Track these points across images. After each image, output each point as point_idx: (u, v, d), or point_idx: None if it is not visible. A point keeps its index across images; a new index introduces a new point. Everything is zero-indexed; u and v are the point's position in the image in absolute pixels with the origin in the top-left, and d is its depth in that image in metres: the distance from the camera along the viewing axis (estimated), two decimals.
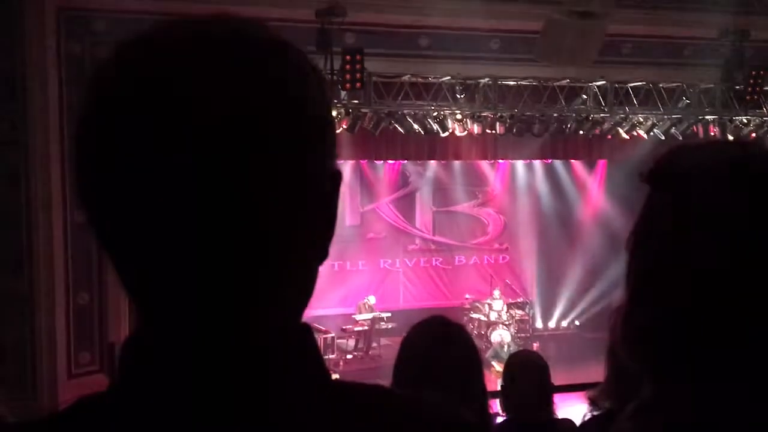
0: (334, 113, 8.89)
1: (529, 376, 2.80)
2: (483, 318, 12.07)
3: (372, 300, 12.11)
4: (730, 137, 10.46)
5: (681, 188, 0.75)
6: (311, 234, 0.65)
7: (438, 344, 2.15)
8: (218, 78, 0.59)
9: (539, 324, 13.41)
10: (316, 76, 0.66)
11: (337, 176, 0.67)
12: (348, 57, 8.51)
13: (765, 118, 10.89)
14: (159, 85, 0.59)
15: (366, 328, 11.78)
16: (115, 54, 0.63)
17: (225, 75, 0.60)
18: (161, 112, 0.58)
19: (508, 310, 12.22)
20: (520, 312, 12.64)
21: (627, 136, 10.70)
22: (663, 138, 10.51)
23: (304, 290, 0.68)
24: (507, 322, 11.96)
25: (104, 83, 0.62)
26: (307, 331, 0.67)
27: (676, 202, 0.75)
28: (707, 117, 10.67)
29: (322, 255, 0.68)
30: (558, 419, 2.86)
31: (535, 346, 11.12)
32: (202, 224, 0.59)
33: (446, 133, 10.02)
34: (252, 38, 0.63)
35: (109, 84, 0.62)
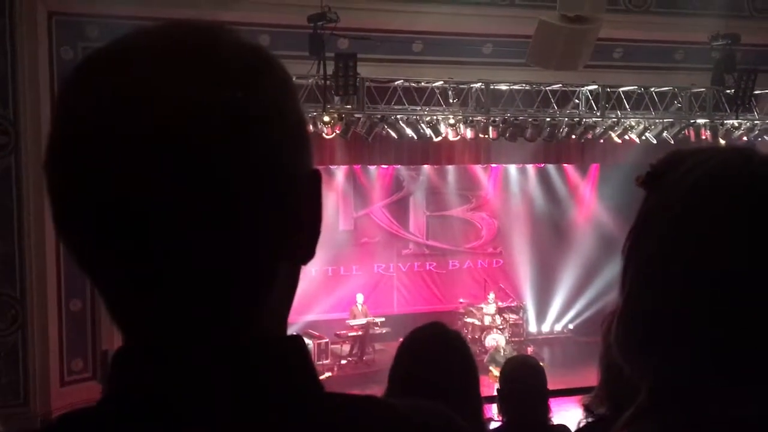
0: (326, 118, 8.96)
1: (526, 379, 2.80)
2: (477, 322, 12.07)
3: (360, 298, 12.07)
4: (722, 141, 10.52)
5: (677, 192, 0.75)
6: (294, 233, 0.65)
7: (434, 350, 2.14)
8: (188, 85, 0.59)
9: (533, 328, 13.43)
10: (284, 78, 0.66)
11: (316, 175, 0.67)
12: (341, 62, 8.51)
13: (756, 122, 10.96)
14: (129, 97, 0.58)
15: (360, 333, 11.76)
16: (85, 66, 0.62)
17: (196, 80, 0.59)
18: (129, 121, 0.58)
19: (501, 314, 12.23)
20: (513, 316, 12.65)
21: (619, 140, 10.75)
22: (655, 142, 10.56)
23: (290, 291, 0.68)
24: (501, 327, 11.97)
25: (72, 102, 0.61)
26: (298, 339, 0.67)
27: (672, 206, 0.75)
28: (698, 121, 10.73)
29: (308, 254, 0.67)
30: (553, 425, 2.86)
31: (529, 350, 11.12)
32: (181, 231, 0.59)
33: (439, 138, 10.04)
34: (219, 42, 0.63)
35: (78, 103, 0.61)
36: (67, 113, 0.62)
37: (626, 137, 10.69)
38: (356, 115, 9.41)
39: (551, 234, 13.56)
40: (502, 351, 10.15)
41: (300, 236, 0.65)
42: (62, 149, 0.61)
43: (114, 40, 0.63)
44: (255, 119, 0.60)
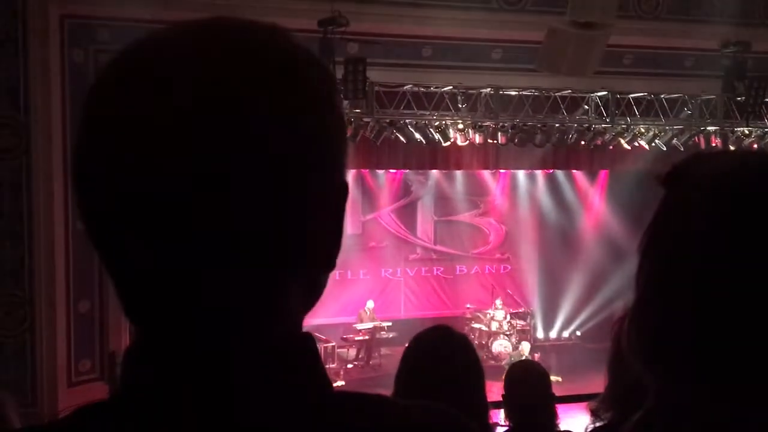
0: None
1: (531, 384, 2.80)
2: (484, 328, 12.05)
3: (371, 305, 12.08)
4: (732, 148, 10.48)
5: (694, 192, 0.75)
6: (317, 244, 0.65)
7: (441, 354, 2.14)
8: (216, 87, 0.59)
9: (540, 334, 13.38)
10: (328, 84, 0.65)
11: (344, 187, 0.67)
12: (350, 66, 8.53)
13: (766, 129, 10.90)
14: (158, 96, 0.58)
15: (367, 337, 11.75)
16: (117, 61, 0.63)
17: (229, 85, 0.59)
18: (159, 124, 0.58)
19: (509, 320, 12.20)
20: (521, 322, 12.61)
21: (629, 147, 10.72)
22: (664, 149, 10.52)
23: (308, 299, 0.68)
24: (508, 332, 11.93)
25: (100, 97, 0.62)
26: (309, 339, 0.67)
27: (687, 206, 0.75)
28: (709, 128, 10.68)
29: (329, 265, 0.67)
30: (560, 431, 2.85)
31: (537, 356, 11.09)
32: (199, 232, 0.59)
33: (448, 143, 10.03)
34: (253, 44, 0.62)
35: (106, 98, 0.61)
36: (97, 107, 0.62)
37: (636, 144, 10.65)
38: (365, 120, 9.41)
39: (559, 240, 13.52)
40: (524, 357, 10.08)
41: (319, 244, 0.65)
42: (90, 142, 0.61)
43: (150, 34, 0.63)
44: (279, 127, 0.60)
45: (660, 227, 0.77)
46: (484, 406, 2.22)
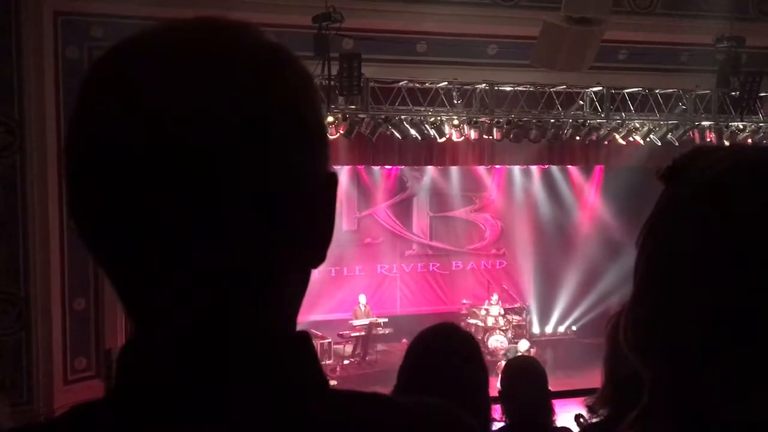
0: (330, 119, 8.97)
1: (528, 380, 2.80)
2: (480, 323, 12.07)
3: (363, 299, 12.08)
4: (726, 143, 10.50)
5: (692, 186, 0.75)
6: (308, 236, 0.65)
7: (445, 350, 2.14)
8: (208, 82, 0.59)
9: (536, 329, 13.41)
10: (305, 78, 0.66)
11: (333, 178, 0.67)
12: (345, 62, 8.52)
13: (761, 124, 10.94)
14: (147, 93, 0.58)
15: (363, 333, 11.77)
16: (105, 60, 0.62)
17: (215, 79, 0.59)
18: (149, 119, 0.58)
19: (505, 315, 12.23)
20: (517, 317, 12.64)
21: (623, 142, 10.74)
22: (659, 144, 10.54)
23: (299, 293, 0.68)
24: (504, 328, 11.96)
25: (92, 94, 0.62)
26: (306, 338, 0.67)
27: (684, 200, 0.75)
28: (703, 123, 10.71)
29: (320, 257, 0.67)
30: (556, 427, 2.86)
31: (533, 351, 11.11)
32: (195, 229, 0.59)
33: (443, 139, 10.03)
34: (241, 42, 0.63)
35: (99, 95, 0.61)
36: (89, 107, 0.62)
37: (630, 139, 10.68)
38: (360, 116, 9.41)
39: (555, 235, 13.54)
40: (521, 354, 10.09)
41: (312, 239, 0.65)
42: (82, 142, 0.61)
43: (133, 35, 0.63)
44: (270, 121, 0.60)
45: (658, 222, 0.77)
46: (486, 404, 2.22)
